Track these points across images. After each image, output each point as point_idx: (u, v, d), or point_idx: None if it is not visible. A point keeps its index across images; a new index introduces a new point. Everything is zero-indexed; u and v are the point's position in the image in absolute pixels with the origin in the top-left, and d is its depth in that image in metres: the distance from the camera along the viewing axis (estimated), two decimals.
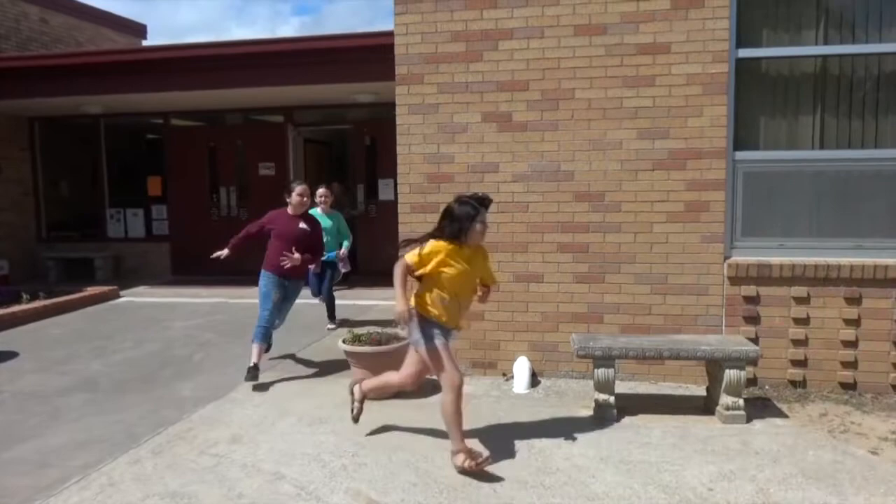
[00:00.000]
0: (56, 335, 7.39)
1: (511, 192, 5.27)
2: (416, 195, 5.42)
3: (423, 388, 5.19)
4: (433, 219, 5.33)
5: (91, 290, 9.31)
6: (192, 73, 8.89)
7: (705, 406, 4.69)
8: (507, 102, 5.20)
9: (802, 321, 5.02)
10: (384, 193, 10.35)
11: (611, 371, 4.46)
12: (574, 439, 4.17)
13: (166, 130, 11.42)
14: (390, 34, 5.43)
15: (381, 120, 9.69)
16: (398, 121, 5.38)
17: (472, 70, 5.22)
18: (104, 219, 11.81)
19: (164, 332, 7.46)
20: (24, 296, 8.44)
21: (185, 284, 10.42)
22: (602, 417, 4.46)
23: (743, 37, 5.05)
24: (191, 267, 11.12)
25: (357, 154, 11.02)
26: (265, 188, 10.76)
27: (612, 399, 4.48)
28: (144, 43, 14.70)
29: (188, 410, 4.85)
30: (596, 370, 4.47)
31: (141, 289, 10.24)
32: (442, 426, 4.36)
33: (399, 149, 5.40)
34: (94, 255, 11.28)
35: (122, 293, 9.76)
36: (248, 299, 9.01)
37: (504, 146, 5.24)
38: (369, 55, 7.70)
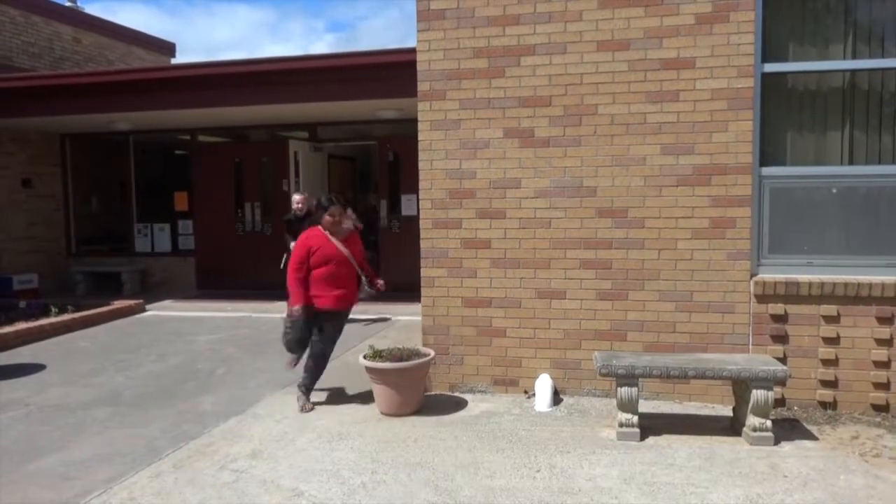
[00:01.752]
0: (83, 348, 7.49)
1: (533, 209, 5.24)
2: (437, 211, 5.41)
3: (443, 404, 5.17)
4: (455, 234, 5.38)
5: (118, 304, 9.44)
6: (218, 90, 9.02)
7: (731, 427, 4.59)
8: (530, 118, 5.18)
9: (832, 340, 4.90)
10: (407, 209, 10.37)
11: (634, 390, 4.38)
12: (597, 459, 4.10)
13: (193, 146, 11.60)
14: (413, 51, 5.45)
15: (404, 136, 9.74)
16: (420, 137, 5.39)
17: (495, 86, 5.22)
18: (132, 233, 12.00)
19: (188, 345, 7.52)
20: (53, 309, 8.57)
21: (209, 299, 10.52)
22: (625, 437, 4.38)
23: (769, 51, 4.99)
24: (216, 281, 11.25)
25: (380, 170, 11.07)
26: (289, 204, 10.85)
27: (635, 419, 4.40)
28: (173, 61, 14.98)
29: (209, 425, 4.87)
30: (619, 389, 4.39)
31: (166, 303, 10.35)
32: (464, 445, 4.33)
33: (421, 164, 5.41)
34: (121, 269, 11.45)
35: (147, 307, 9.88)
36: (271, 314, 9.09)
37: (526, 162, 5.22)
38: (392, 72, 7.76)
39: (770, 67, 4.98)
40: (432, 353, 5.19)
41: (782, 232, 5.05)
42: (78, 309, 8.86)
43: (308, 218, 7.02)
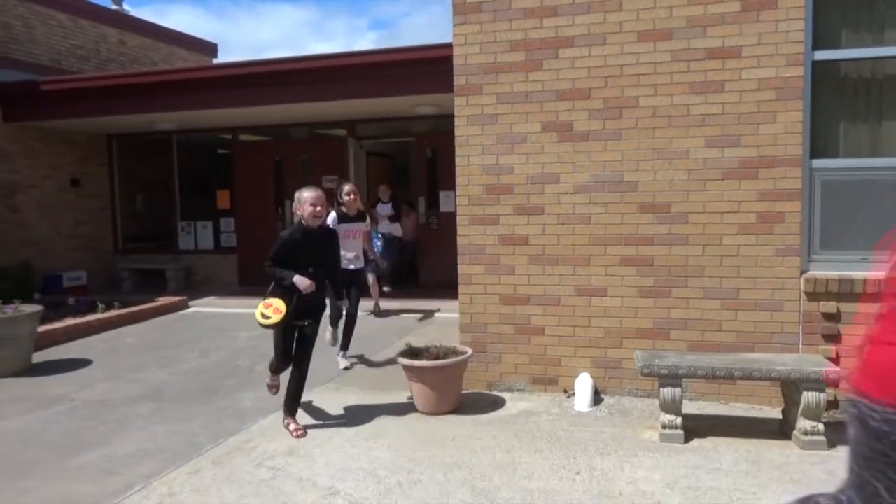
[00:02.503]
0: (128, 344, 7.64)
1: (572, 204, 5.13)
2: (475, 207, 5.34)
3: (481, 403, 5.11)
4: (492, 230, 5.30)
5: (162, 301, 9.62)
6: (258, 88, 9.11)
7: (781, 430, 4.41)
8: (568, 112, 5.07)
9: None
10: (445, 205, 10.32)
11: (678, 391, 4.25)
12: (638, 462, 3.98)
13: (235, 145, 11.75)
14: (449, 46, 5.39)
15: (442, 132, 9.68)
16: (457, 132, 5.33)
17: (532, 79, 5.12)
18: (175, 231, 12.22)
19: (230, 342, 7.61)
20: (100, 305, 8.78)
21: (251, 296, 10.59)
22: (668, 439, 4.25)
23: (820, 38, 4.77)
24: (258, 278, 11.33)
25: (418, 166, 11.04)
26: (328, 201, 10.90)
27: (679, 420, 4.27)
28: (215, 61, 15.21)
29: (248, 421, 4.90)
30: (662, 389, 4.27)
31: (209, 299, 10.51)
32: (501, 445, 4.26)
33: (458, 160, 5.34)
34: (165, 266, 11.68)
35: (191, 304, 10.04)
36: None
37: (565, 156, 5.11)
38: (429, 67, 7.71)
39: (821, 55, 4.76)
40: (470, 350, 5.13)
41: (834, 227, 4.84)
42: (124, 305, 9.05)
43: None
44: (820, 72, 4.80)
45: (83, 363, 6.75)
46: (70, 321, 8.08)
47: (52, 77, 10.40)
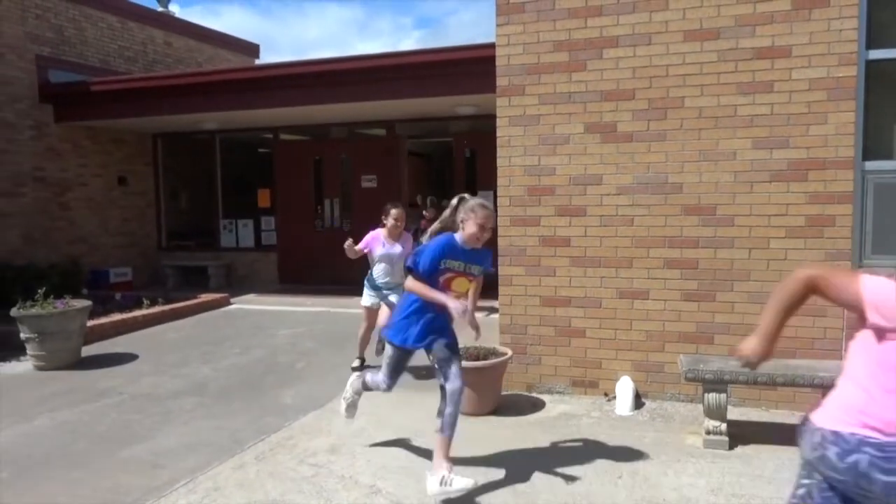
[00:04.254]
0: (171, 339, 7.81)
1: (615, 206, 5.08)
2: (515, 208, 5.32)
3: (520, 405, 5.09)
4: (533, 232, 5.28)
5: (204, 298, 9.81)
6: (299, 89, 9.21)
7: None
8: (612, 112, 5.02)
9: None
10: None
11: (723, 396, 4.18)
12: (682, 468, 3.93)
13: (275, 144, 11.91)
14: (490, 46, 5.38)
15: (481, 132, 9.68)
16: (498, 133, 5.32)
17: (575, 80, 5.08)
18: (218, 229, 12.44)
19: (270, 339, 7.72)
20: (145, 301, 8.98)
21: (290, 293, 10.78)
22: (713, 445, 4.18)
23: (874, 37, 4.64)
24: (296, 276, 11.52)
25: (457, 166, 11.06)
26: (367, 200, 11.00)
27: (723, 426, 4.20)
28: (257, 62, 15.44)
29: (290, 418, 4.96)
30: (706, 395, 4.20)
31: (250, 296, 10.67)
32: (540, 447, 4.24)
33: (499, 161, 5.33)
34: (207, 263, 11.89)
35: (232, 300, 10.21)
36: (349, 309, 9.21)
37: (608, 157, 5.06)
38: (469, 68, 7.71)
39: (876, 54, 4.63)
40: (510, 352, 5.12)
41: (888, 231, 4.70)
42: (167, 301, 9.25)
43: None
44: (874, 71, 4.67)
45: (130, 357, 6.92)
46: (117, 316, 8.30)
47: (102, 78, 10.67)
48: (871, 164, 4.68)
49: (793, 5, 4.60)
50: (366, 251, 6.02)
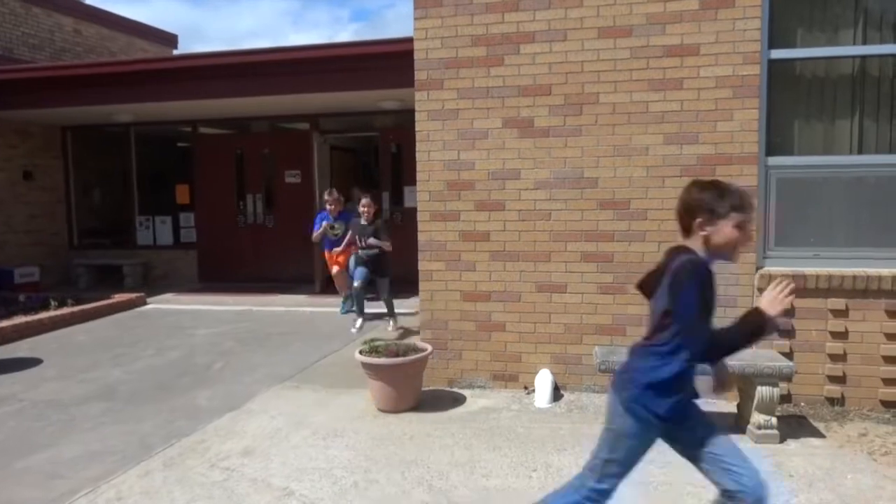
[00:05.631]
0: (81, 342, 7.43)
1: (533, 200, 5.12)
2: (435, 203, 5.30)
3: (441, 400, 5.07)
4: (453, 227, 5.26)
5: (118, 298, 9.38)
6: (218, 80, 8.91)
7: (736, 424, 4.47)
8: (529, 107, 5.05)
9: (840, 335, 4.76)
10: (409, 200, 10.25)
11: None
12: None
13: (194, 138, 11.51)
14: (411, 40, 5.32)
15: (406, 127, 9.60)
16: (417, 127, 5.28)
17: (493, 75, 5.09)
18: (133, 226, 11.95)
19: (187, 339, 7.45)
20: (53, 302, 8.53)
21: (211, 292, 10.46)
22: None
23: (776, 37, 4.83)
24: (218, 274, 11.19)
25: (383, 161, 10.96)
26: (291, 195, 10.78)
27: None
28: (175, 52, 14.89)
29: (203, 421, 4.79)
30: None
31: (168, 296, 10.29)
32: (460, 443, 4.23)
33: (418, 155, 5.29)
34: (123, 262, 11.40)
35: (148, 300, 9.82)
36: (273, 307, 9.03)
37: (526, 152, 5.10)
38: (392, 62, 7.63)
39: (777, 54, 4.82)
40: (430, 348, 5.09)
41: (789, 224, 4.91)
42: (78, 302, 8.81)
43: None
44: (776, 70, 4.86)
45: (33, 362, 6.54)
46: (20, 319, 7.83)
47: (3, 66, 10.04)
48: (773, 160, 4.87)
49: (700, 5, 4.74)
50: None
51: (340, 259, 8.45)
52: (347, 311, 8.43)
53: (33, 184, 11.33)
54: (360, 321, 7.55)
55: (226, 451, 4.20)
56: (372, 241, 7.52)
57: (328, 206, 8.48)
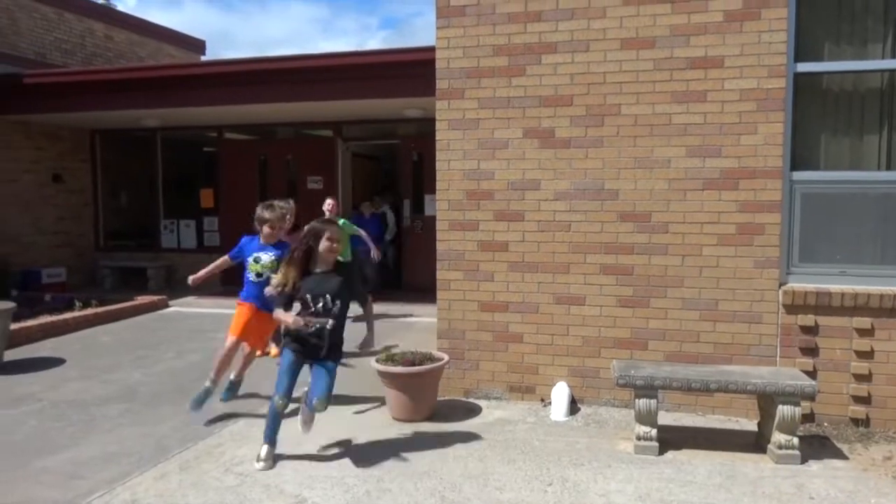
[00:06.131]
0: (104, 343, 7.53)
1: (552, 211, 5.09)
2: (454, 212, 5.29)
3: (456, 411, 5.05)
4: (472, 236, 5.26)
5: (141, 300, 9.50)
6: (244, 87, 9.02)
7: (756, 443, 4.39)
8: (550, 118, 5.03)
9: (866, 354, 4.66)
10: (430, 209, 10.27)
11: (653, 402, 4.21)
12: (612, 474, 3.94)
13: (220, 143, 11.64)
14: (434, 49, 5.34)
15: (428, 135, 9.59)
16: (438, 136, 5.28)
17: (515, 85, 5.08)
18: (158, 229, 12.09)
19: (207, 342, 7.51)
20: (77, 303, 8.65)
21: (232, 296, 10.48)
22: (643, 451, 4.21)
23: (802, 50, 4.76)
24: (240, 279, 11.23)
25: (404, 169, 10.99)
26: (313, 201, 10.83)
27: (653, 432, 4.23)
28: (203, 58, 15.09)
29: (220, 425, 4.81)
30: (637, 400, 4.23)
31: (190, 299, 10.38)
32: (475, 454, 4.21)
33: (438, 164, 5.29)
34: (147, 264, 11.54)
35: (171, 303, 9.92)
36: None
37: (546, 163, 5.07)
38: (415, 70, 7.66)
39: (803, 67, 4.75)
40: (446, 357, 5.07)
41: (814, 240, 4.82)
42: (102, 304, 8.93)
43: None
44: (802, 84, 4.79)
45: (56, 362, 6.63)
46: (45, 319, 7.96)
47: (35, 70, 10.26)
48: (798, 175, 4.80)
49: (725, 17, 4.69)
50: None
51: (258, 328, 5.14)
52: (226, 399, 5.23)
53: (62, 186, 11.53)
54: (265, 451, 4.07)
55: (241, 456, 4.21)
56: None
57: (266, 226, 5.20)
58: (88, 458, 4.24)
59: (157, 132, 11.86)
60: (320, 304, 3.99)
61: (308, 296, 4.00)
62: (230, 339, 5.02)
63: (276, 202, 5.43)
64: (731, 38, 4.68)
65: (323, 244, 3.99)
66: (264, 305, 4.73)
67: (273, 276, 4.28)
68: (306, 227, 4.15)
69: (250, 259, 5.14)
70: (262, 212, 5.21)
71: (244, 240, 5.30)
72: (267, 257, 5.11)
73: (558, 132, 5.03)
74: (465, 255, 5.28)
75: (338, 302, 4.02)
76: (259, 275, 5.07)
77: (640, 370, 4.32)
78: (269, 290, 4.19)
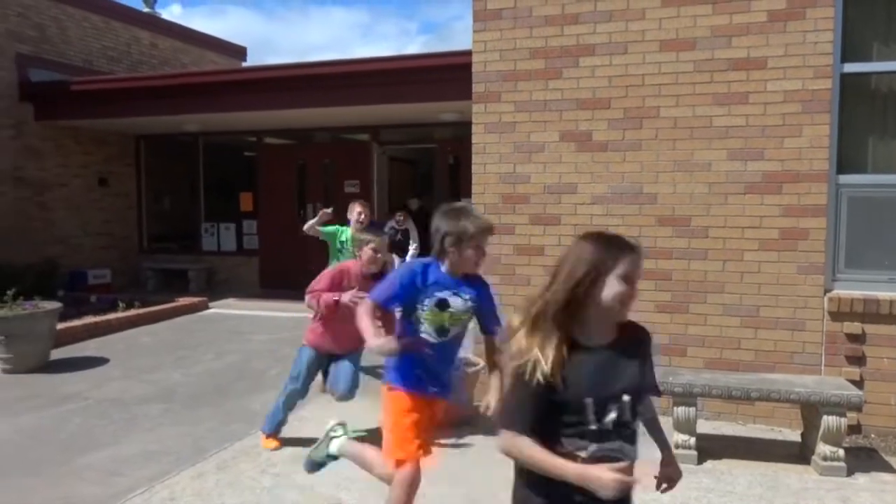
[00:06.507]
0: (145, 343, 7.69)
1: (589, 215, 5.03)
2: (490, 216, 5.24)
3: (485, 417, 5.01)
4: (508, 240, 5.23)
5: (182, 301, 9.69)
6: (282, 92, 9.13)
7: (800, 453, 4.26)
8: (587, 121, 4.99)
9: None
10: None
11: (692, 410, 4.13)
12: (649, 482, 3.86)
13: (259, 148, 11.82)
14: (470, 53, 5.33)
15: (464, 139, 9.59)
16: (474, 139, 5.28)
17: (551, 87, 5.05)
18: (199, 232, 12.32)
19: (246, 344, 7.62)
20: (121, 304, 8.86)
21: (271, 298, 10.67)
22: (681, 460, 4.11)
23: (849, 50, 4.63)
24: (278, 281, 11.41)
25: (440, 173, 11.01)
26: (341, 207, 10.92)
27: (692, 440, 4.15)
28: (244, 64, 15.35)
29: (257, 425, 4.85)
30: (675, 408, 4.15)
31: (229, 301, 10.56)
32: (505, 461, 4.17)
33: (474, 168, 5.29)
34: (188, 266, 11.77)
35: (211, 304, 10.10)
36: None
37: (583, 166, 5.02)
38: (452, 74, 7.66)
39: (851, 68, 4.62)
40: (482, 362, 5.04)
41: (861, 245, 4.68)
42: (144, 305, 9.13)
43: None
44: (849, 84, 4.66)
45: (100, 361, 6.80)
46: (90, 319, 8.17)
47: (83, 77, 10.57)
48: (845, 178, 4.66)
49: (769, 17, 4.59)
50: None
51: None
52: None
53: (107, 190, 11.84)
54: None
55: (276, 457, 4.26)
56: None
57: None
58: (129, 456, 4.33)
59: (198, 137, 12.09)
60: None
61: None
62: (409, 466, 2.92)
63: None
64: (774, 39, 4.58)
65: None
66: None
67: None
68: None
69: (429, 303, 2.82)
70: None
71: (416, 267, 2.85)
72: (462, 302, 2.84)
73: (595, 135, 4.97)
74: (501, 259, 5.26)
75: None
76: (444, 330, 2.87)
77: (679, 377, 4.24)
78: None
